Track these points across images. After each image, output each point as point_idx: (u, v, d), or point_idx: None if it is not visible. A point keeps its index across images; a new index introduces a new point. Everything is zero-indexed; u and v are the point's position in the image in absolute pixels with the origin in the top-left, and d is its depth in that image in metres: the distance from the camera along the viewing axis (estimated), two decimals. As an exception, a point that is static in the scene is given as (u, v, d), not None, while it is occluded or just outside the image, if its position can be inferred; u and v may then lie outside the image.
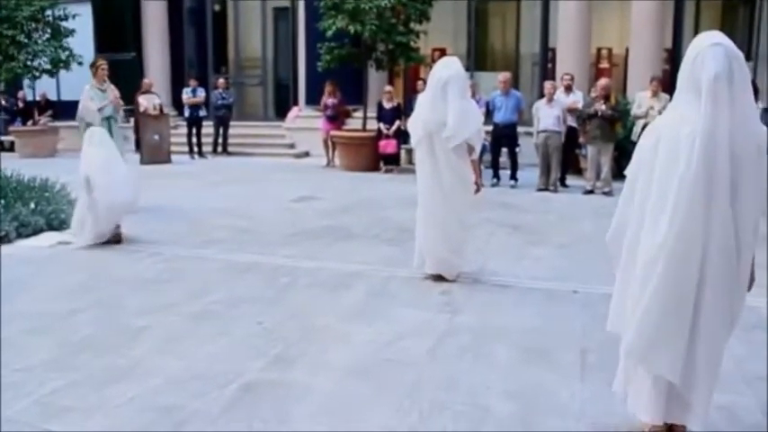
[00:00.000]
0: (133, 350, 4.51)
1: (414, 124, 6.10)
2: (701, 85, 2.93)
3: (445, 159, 5.90)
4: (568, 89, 12.00)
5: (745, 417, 3.65)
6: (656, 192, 3.00)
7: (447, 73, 5.86)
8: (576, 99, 11.78)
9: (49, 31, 15.97)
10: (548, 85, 11.97)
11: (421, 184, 6.05)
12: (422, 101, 6.16)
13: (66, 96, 18.32)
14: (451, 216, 6.03)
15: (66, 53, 15.53)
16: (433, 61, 6.41)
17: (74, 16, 16.20)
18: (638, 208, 3.10)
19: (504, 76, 12.14)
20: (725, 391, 3.88)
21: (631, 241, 3.15)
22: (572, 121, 11.60)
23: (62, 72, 16.31)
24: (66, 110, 17.18)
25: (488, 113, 11.77)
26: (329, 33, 13.40)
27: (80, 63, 15.36)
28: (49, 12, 16.12)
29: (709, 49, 2.97)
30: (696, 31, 16.08)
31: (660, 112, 10.78)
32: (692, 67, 3.00)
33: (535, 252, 7.23)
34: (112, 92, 9.44)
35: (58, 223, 7.92)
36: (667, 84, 13.44)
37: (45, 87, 18.21)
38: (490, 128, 11.32)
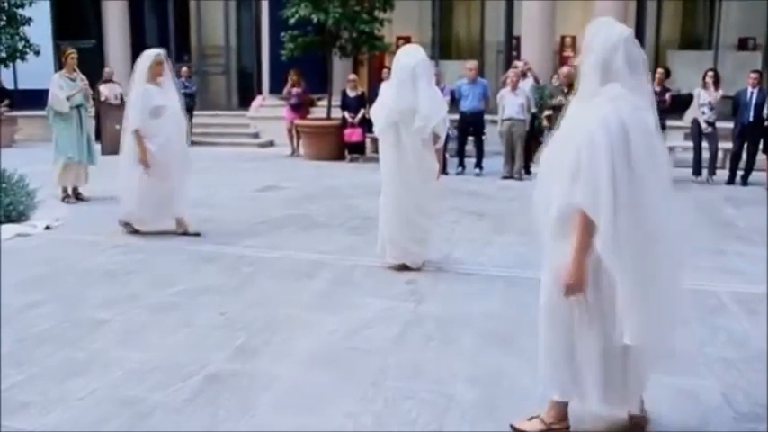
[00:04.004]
0: (94, 343, 4.45)
1: (377, 112, 6.04)
2: (640, 70, 3.03)
3: (411, 148, 5.88)
4: (524, 75, 12.06)
5: (706, 399, 3.70)
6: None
7: (413, 61, 5.84)
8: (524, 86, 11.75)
9: (4, 18, 15.58)
10: (511, 73, 12.02)
11: (385, 173, 6.01)
12: (385, 89, 6.13)
13: (23, 85, 17.95)
14: (416, 205, 6.02)
15: (23, 43, 15.18)
16: (398, 49, 6.40)
17: (30, 3, 15.83)
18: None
19: (472, 64, 12.17)
20: (687, 374, 3.96)
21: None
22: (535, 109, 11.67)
23: (18, 61, 15.94)
24: (23, 99, 16.88)
25: (453, 102, 11.79)
26: (292, 21, 13.30)
27: (37, 53, 15.05)
28: (4, -2, 15.76)
29: (630, 36, 3.03)
30: (659, 21, 16.40)
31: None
32: (628, 54, 3.00)
33: (499, 240, 7.27)
34: (82, 80, 9.32)
35: (16, 215, 7.74)
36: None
37: (1, 76, 17.81)
38: (455, 116, 11.34)
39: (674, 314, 3.22)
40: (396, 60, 5.96)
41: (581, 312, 3.06)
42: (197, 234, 7.24)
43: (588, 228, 2.91)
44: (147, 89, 7.00)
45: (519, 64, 12.38)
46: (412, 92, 5.78)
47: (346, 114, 13.64)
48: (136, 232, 7.29)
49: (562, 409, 3.28)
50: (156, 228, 7.28)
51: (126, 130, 7.17)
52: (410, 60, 5.85)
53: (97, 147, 10.39)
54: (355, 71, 15.44)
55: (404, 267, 6.05)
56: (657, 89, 11.19)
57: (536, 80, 12.58)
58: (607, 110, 2.92)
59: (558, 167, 3.01)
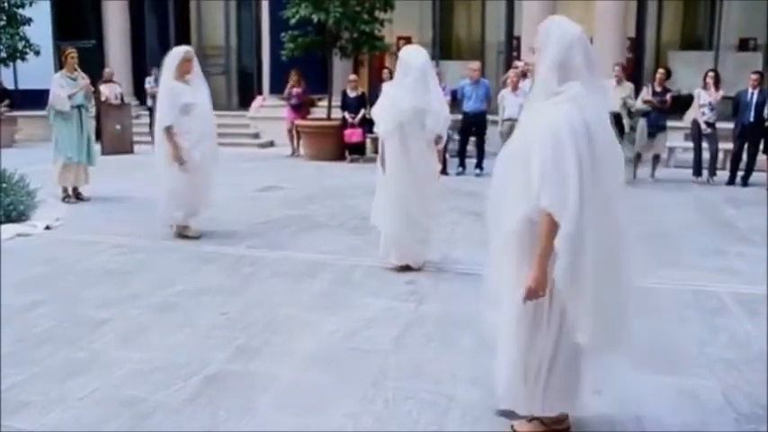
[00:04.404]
0: (94, 343, 4.44)
1: (382, 114, 5.99)
2: (596, 69, 3.03)
3: (417, 149, 5.88)
4: (524, 75, 12.03)
5: (707, 400, 3.70)
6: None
7: (423, 60, 5.88)
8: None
9: (4, 18, 15.57)
10: (511, 73, 12.01)
11: (390, 174, 5.96)
12: (387, 90, 6.12)
13: (23, 85, 17.95)
14: (419, 205, 6.02)
15: (23, 43, 15.17)
16: (398, 50, 6.40)
17: (31, 3, 15.83)
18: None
19: (475, 64, 12.17)
20: (688, 375, 3.96)
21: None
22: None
23: (18, 61, 15.93)
24: (24, 99, 16.86)
25: (454, 102, 11.79)
26: (293, 21, 13.29)
27: (37, 53, 15.04)
28: (4, -2, 15.75)
29: (584, 35, 3.01)
30: (659, 21, 16.39)
31: (624, 101, 10.91)
32: (585, 52, 2.98)
33: (500, 240, 7.24)
34: (83, 80, 9.31)
35: (16, 215, 7.73)
36: (631, 72, 13.62)
37: (2, 76, 17.81)
38: (457, 117, 11.33)
39: (630, 310, 3.19)
40: (403, 60, 5.90)
41: (542, 316, 3.04)
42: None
43: (553, 231, 2.86)
44: (174, 86, 6.91)
45: (519, 64, 12.36)
46: (425, 91, 5.81)
47: (346, 115, 13.63)
48: (184, 236, 7.18)
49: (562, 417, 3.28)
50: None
51: (158, 129, 7.07)
52: (420, 59, 5.87)
53: (97, 147, 10.39)
54: (356, 71, 15.43)
55: (407, 268, 6.04)
56: (658, 89, 11.21)
57: None
58: (569, 109, 2.88)
59: (518, 170, 2.97)
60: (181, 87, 6.94)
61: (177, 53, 7.06)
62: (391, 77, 13.66)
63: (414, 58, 5.88)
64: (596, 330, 2.97)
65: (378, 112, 6.09)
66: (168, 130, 6.89)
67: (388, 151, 5.98)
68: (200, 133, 6.98)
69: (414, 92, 5.78)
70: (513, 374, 3.13)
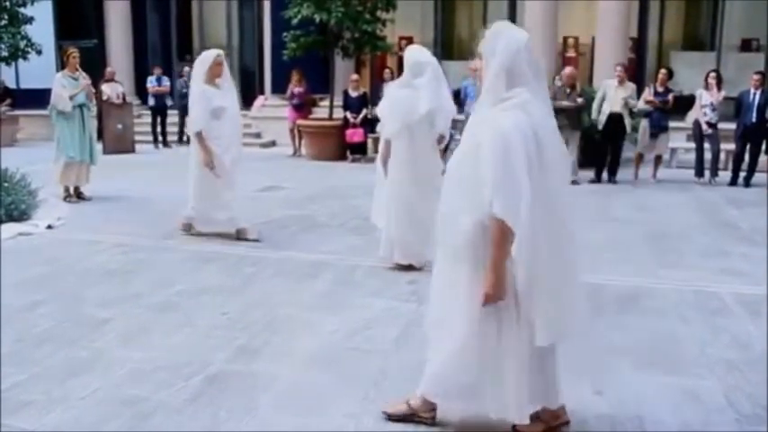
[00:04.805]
0: (96, 342, 4.44)
1: (391, 114, 5.94)
2: (541, 75, 3.09)
3: (424, 148, 5.90)
4: None
5: (708, 400, 3.69)
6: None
7: (431, 59, 5.92)
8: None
9: (6, 17, 15.59)
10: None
11: (394, 173, 5.93)
12: (394, 90, 6.07)
13: (25, 84, 17.97)
14: (424, 205, 6.00)
15: (24, 42, 15.19)
16: (401, 50, 6.39)
17: (33, 2, 15.85)
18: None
19: (475, 63, 12.10)
20: (689, 376, 3.95)
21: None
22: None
23: (20, 60, 15.96)
24: (26, 98, 16.88)
25: (456, 102, 11.74)
26: (295, 21, 13.29)
27: (39, 52, 15.06)
28: (6, -4, 15.77)
29: (529, 41, 3.03)
30: (662, 22, 16.37)
31: (625, 101, 10.89)
32: (531, 58, 3.00)
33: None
34: (85, 79, 9.31)
35: (18, 214, 7.75)
36: (633, 72, 13.60)
37: (3, 75, 17.84)
38: (460, 117, 11.30)
39: (581, 303, 3.23)
40: (414, 59, 5.88)
41: (502, 321, 3.05)
42: (256, 240, 7.11)
43: (506, 237, 2.88)
44: (205, 90, 6.82)
45: None
46: (438, 90, 5.86)
47: (348, 114, 13.64)
48: (243, 239, 7.11)
49: (556, 408, 3.29)
50: (212, 230, 7.21)
51: (190, 133, 6.96)
52: (429, 59, 5.90)
53: (99, 146, 10.39)
54: (357, 71, 15.42)
55: (409, 267, 6.03)
56: (660, 89, 11.20)
57: None
58: (518, 115, 2.89)
59: (467, 177, 2.98)
60: (212, 91, 6.84)
61: (208, 57, 6.95)
62: (392, 77, 13.71)
63: (425, 57, 5.90)
64: (552, 326, 3.03)
65: (385, 111, 6.04)
66: (199, 135, 6.83)
67: (395, 152, 5.94)
68: (229, 137, 6.95)
69: (431, 91, 5.81)
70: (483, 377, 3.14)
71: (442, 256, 3.19)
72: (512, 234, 2.87)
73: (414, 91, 5.84)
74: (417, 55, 5.95)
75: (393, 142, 5.96)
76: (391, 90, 6.23)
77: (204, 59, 6.95)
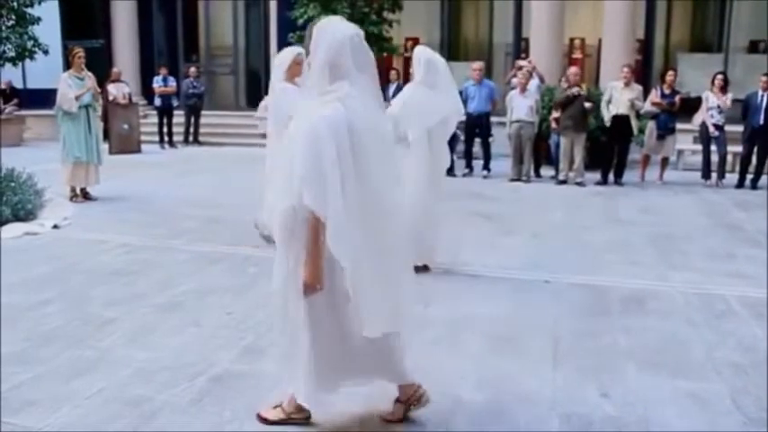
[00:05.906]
0: (101, 342, 4.45)
1: (411, 116, 5.71)
2: (369, 70, 3.09)
3: (438, 149, 5.89)
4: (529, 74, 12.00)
5: (715, 404, 3.67)
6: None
7: (440, 57, 5.94)
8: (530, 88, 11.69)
9: (13, 17, 15.63)
10: (519, 74, 11.97)
11: (412, 173, 5.68)
12: (411, 91, 5.89)
13: (32, 84, 18.02)
14: (437, 205, 5.99)
15: (31, 42, 15.23)
16: (407, 51, 6.38)
17: (39, 2, 15.88)
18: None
19: (477, 64, 12.08)
20: (695, 379, 3.94)
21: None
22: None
23: (27, 60, 16.00)
24: (32, 98, 16.94)
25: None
26: (301, 22, 13.30)
27: (46, 52, 15.09)
28: (13, -3, 15.80)
29: (358, 35, 3.07)
30: (668, 23, 16.34)
31: (632, 102, 10.87)
32: (357, 53, 3.04)
33: (507, 242, 7.24)
34: (90, 80, 9.31)
35: (24, 214, 7.77)
36: (639, 74, 13.58)
37: (10, 75, 17.87)
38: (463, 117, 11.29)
39: (408, 301, 3.34)
40: (426, 58, 5.82)
41: (319, 311, 3.10)
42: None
43: (319, 227, 2.93)
44: (286, 88, 6.27)
45: (523, 63, 12.31)
46: (452, 90, 5.91)
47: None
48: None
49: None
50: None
51: (270, 135, 6.59)
52: (440, 59, 5.91)
53: (104, 147, 10.41)
54: (363, 72, 15.41)
55: (425, 269, 5.90)
56: (667, 91, 11.17)
57: (541, 79, 12.48)
58: (335, 107, 2.94)
59: (282, 166, 3.08)
60: (291, 89, 6.30)
61: (287, 56, 6.46)
62: (399, 78, 13.70)
63: (437, 56, 5.90)
64: (380, 315, 3.09)
65: (402, 112, 5.76)
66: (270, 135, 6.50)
67: (413, 152, 5.74)
68: None
69: (452, 91, 5.87)
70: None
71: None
72: (323, 224, 2.92)
73: (431, 90, 5.76)
74: (429, 54, 5.91)
75: (412, 145, 5.78)
76: (409, 90, 5.98)
77: (283, 59, 6.48)
